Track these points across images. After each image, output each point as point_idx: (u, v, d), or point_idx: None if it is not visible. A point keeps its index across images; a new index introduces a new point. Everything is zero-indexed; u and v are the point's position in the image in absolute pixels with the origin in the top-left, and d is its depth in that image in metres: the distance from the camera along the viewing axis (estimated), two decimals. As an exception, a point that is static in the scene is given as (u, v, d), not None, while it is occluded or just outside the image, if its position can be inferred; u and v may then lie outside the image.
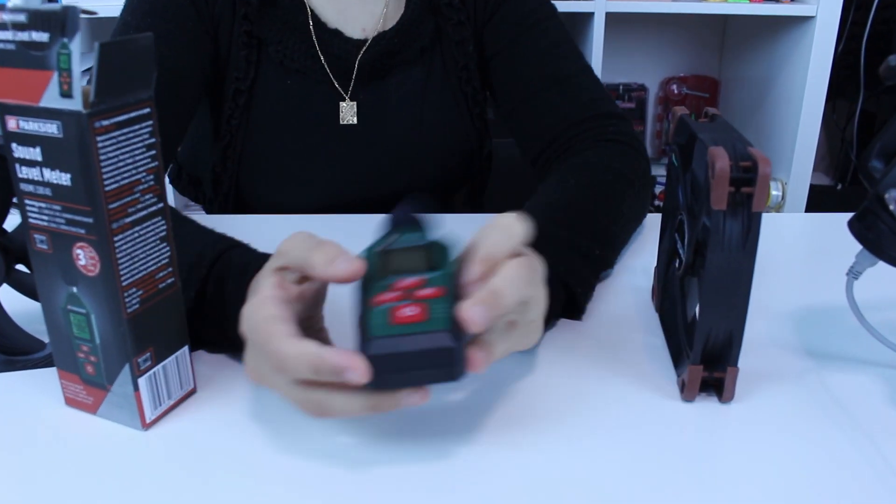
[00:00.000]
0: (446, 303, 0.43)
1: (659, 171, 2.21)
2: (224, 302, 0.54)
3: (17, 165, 0.45)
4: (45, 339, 0.57)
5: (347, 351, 0.42)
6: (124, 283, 0.46)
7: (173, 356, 0.51)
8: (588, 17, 1.83)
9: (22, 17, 0.41)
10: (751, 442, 0.48)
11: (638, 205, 0.75)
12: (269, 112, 0.88)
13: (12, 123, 0.44)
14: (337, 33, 0.87)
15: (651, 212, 0.81)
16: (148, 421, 0.49)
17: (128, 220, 0.45)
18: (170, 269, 0.49)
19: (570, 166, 0.76)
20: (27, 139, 0.44)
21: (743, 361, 0.51)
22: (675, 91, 2.26)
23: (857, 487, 0.44)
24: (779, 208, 1.88)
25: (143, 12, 0.80)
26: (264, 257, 0.54)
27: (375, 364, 0.41)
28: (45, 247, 0.47)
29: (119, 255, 0.45)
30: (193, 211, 1.82)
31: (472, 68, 0.92)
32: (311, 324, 0.50)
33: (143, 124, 0.45)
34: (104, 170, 0.43)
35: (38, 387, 0.54)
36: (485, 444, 0.48)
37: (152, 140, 0.46)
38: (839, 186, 2.19)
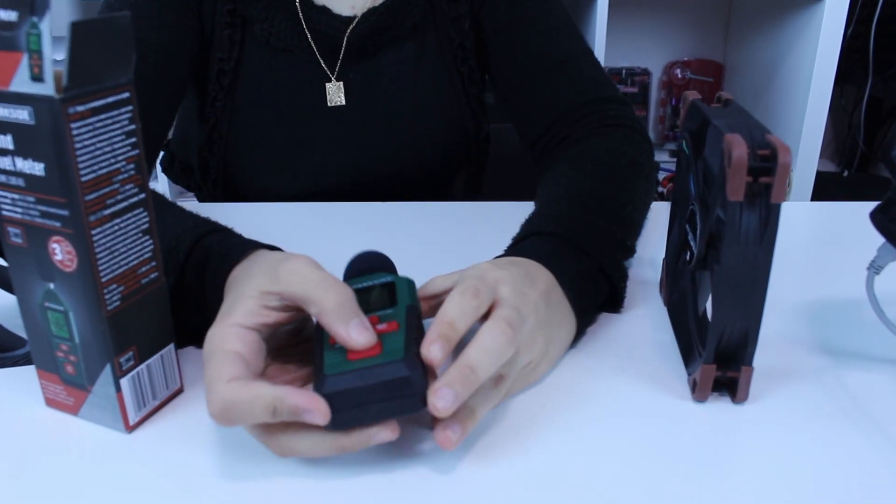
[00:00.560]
0: (400, 335, 0.42)
1: (662, 157, 2.17)
2: (204, 290, 0.51)
3: (-12, 154, 0.42)
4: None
5: (306, 391, 0.40)
6: (104, 279, 0.43)
7: (158, 355, 0.48)
8: (591, -1, 1.80)
9: (-11, -5, 0.39)
10: (765, 445, 0.46)
11: (650, 191, 0.72)
12: (255, 93, 0.85)
13: (-19, 109, 0.41)
14: (324, 10, 0.84)
15: (654, 199, 0.79)
16: (131, 423, 0.47)
17: (106, 212, 0.43)
18: (153, 263, 0.46)
19: (581, 152, 0.74)
20: (-3, 126, 0.41)
21: (756, 359, 0.48)
22: (679, 75, 2.22)
23: (877, 492, 0.42)
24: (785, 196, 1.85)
25: None
26: (247, 244, 0.52)
27: (333, 402, 0.40)
28: (19, 241, 0.44)
29: (98, 250, 0.42)
30: (187, 199, 1.80)
31: (469, 47, 0.89)
32: (289, 343, 0.48)
33: (122, 110, 0.42)
34: (80, 159, 0.40)
35: (19, 386, 0.51)
36: (486, 446, 0.46)
37: (132, 127, 0.43)
38: (846, 173, 2.16)
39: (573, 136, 0.79)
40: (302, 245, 0.62)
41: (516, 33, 0.86)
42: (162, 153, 1.00)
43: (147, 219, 0.45)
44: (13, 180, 0.42)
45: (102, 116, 0.41)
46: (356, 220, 0.79)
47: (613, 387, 0.51)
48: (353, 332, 0.42)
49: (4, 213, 0.43)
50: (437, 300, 0.51)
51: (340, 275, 0.51)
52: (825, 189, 1.89)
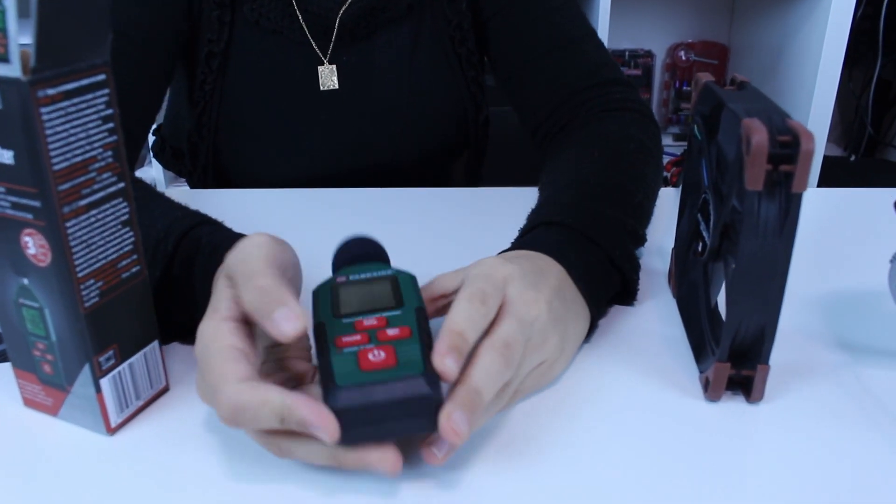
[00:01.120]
0: (414, 343, 0.39)
1: (666, 141, 2.14)
2: (192, 284, 0.49)
3: (-45, 141, 0.39)
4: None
5: (317, 404, 0.37)
6: (80, 274, 0.40)
7: (141, 353, 0.46)
8: (594, -20, 1.76)
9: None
10: (781, 447, 0.44)
11: (658, 177, 0.69)
12: (245, 76, 0.82)
13: (-54, 92, 0.38)
14: None
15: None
16: (113, 425, 0.44)
17: (82, 202, 0.40)
18: (134, 256, 0.44)
19: (588, 136, 0.71)
20: (-37, 111, 0.38)
21: (771, 355, 0.45)
22: (683, 58, 2.19)
23: (905, 503, 0.39)
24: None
25: None
26: (237, 238, 0.49)
27: (344, 417, 0.37)
28: (-10, 233, 0.41)
29: (73, 243, 0.40)
30: (180, 185, 1.77)
31: (467, 28, 0.85)
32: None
33: (98, 93, 0.40)
34: (51, 146, 0.38)
35: (-4, 384, 0.49)
36: (491, 445, 0.43)
37: (109, 111, 0.40)
38: (853, 158, 2.12)
39: (578, 119, 0.76)
40: (294, 232, 0.60)
41: (517, 14, 0.83)
42: (153, 138, 0.97)
43: (127, 209, 0.43)
44: (-19, 169, 0.39)
45: (76, 100, 0.38)
46: (350, 207, 0.76)
47: (621, 385, 0.49)
48: (281, 325, 0.38)
49: (-26, 203, 0.41)
50: (442, 301, 0.48)
51: (328, 262, 0.48)
52: (831, 174, 1.86)
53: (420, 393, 0.37)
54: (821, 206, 0.78)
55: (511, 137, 1.09)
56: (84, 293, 0.41)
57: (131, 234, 0.43)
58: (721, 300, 0.48)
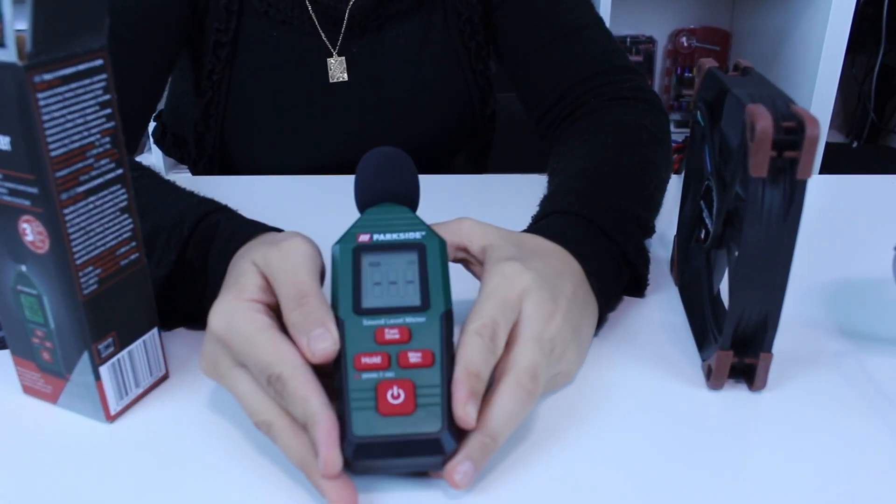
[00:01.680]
0: (435, 375, 0.38)
1: (667, 128, 2.12)
2: (206, 268, 0.48)
3: (-49, 126, 0.39)
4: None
5: (335, 436, 0.36)
6: (78, 262, 0.40)
7: (140, 340, 0.45)
8: (596, -35, 1.74)
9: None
10: (784, 435, 0.43)
11: (668, 167, 0.69)
12: (253, 67, 0.82)
13: (-59, 77, 0.38)
14: None
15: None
16: (113, 413, 0.44)
17: (80, 189, 0.39)
18: (133, 243, 0.43)
19: (599, 123, 0.70)
20: (-41, 96, 0.38)
21: (773, 343, 0.45)
22: (685, 44, 2.17)
23: (908, 492, 0.39)
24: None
25: None
26: (255, 226, 0.49)
27: (354, 465, 0.37)
28: (-13, 220, 0.41)
29: (71, 230, 0.39)
30: (181, 171, 1.76)
31: (476, 21, 0.85)
32: None
33: (95, 78, 0.39)
34: (48, 132, 0.37)
35: (-5, 372, 0.49)
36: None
37: (107, 97, 0.40)
38: (855, 144, 2.11)
39: (586, 106, 0.76)
40: (300, 219, 0.59)
41: (524, 3, 0.82)
42: (154, 124, 0.96)
43: (125, 196, 0.42)
44: (-22, 155, 0.39)
45: (73, 86, 0.38)
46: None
47: (622, 373, 0.49)
48: (314, 345, 0.38)
49: (-29, 190, 0.40)
50: (461, 254, 0.47)
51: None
52: (833, 161, 1.85)
53: (436, 457, 0.37)
54: (823, 194, 0.77)
55: (513, 124, 1.08)
56: (83, 280, 0.40)
57: (130, 221, 0.43)
58: (724, 288, 0.48)
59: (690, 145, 0.56)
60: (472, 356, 0.39)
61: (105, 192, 0.41)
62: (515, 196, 0.75)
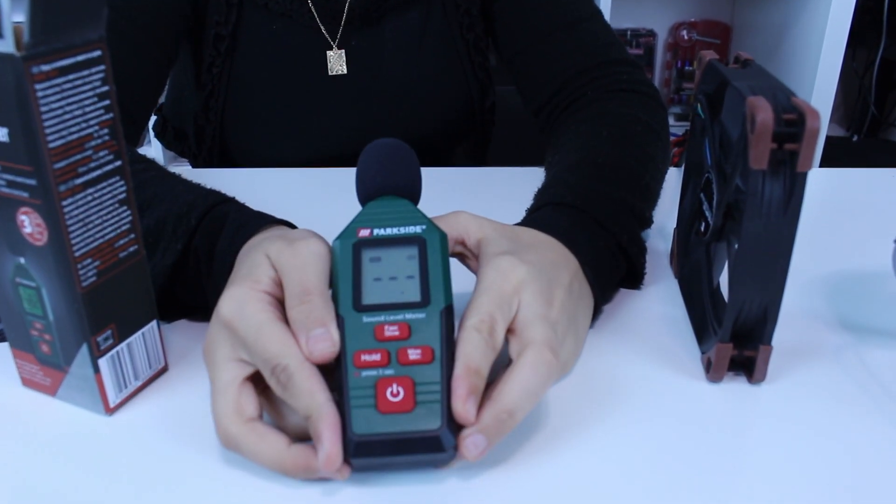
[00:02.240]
0: (435, 372, 0.38)
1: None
2: (212, 258, 0.48)
3: (-51, 118, 0.39)
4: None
5: (338, 433, 0.37)
6: (77, 254, 0.40)
7: (139, 332, 0.45)
8: (596, -42, 1.74)
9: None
10: (783, 427, 0.43)
11: (666, 159, 0.68)
12: (253, 60, 0.81)
13: (-61, 69, 0.38)
14: None
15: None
16: (112, 405, 0.44)
17: (78, 181, 0.39)
18: (131, 235, 0.43)
19: (595, 115, 0.70)
20: (-44, 87, 0.38)
21: (773, 336, 0.45)
22: (685, 37, 2.17)
23: (907, 484, 0.39)
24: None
25: None
26: (264, 218, 0.49)
27: (355, 463, 0.37)
28: (-14, 212, 0.41)
29: (69, 222, 0.39)
30: (181, 165, 1.76)
31: (475, 13, 0.85)
32: None
33: (93, 70, 0.39)
34: (46, 123, 0.37)
35: (-6, 364, 0.49)
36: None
37: (105, 88, 0.40)
38: (855, 138, 2.11)
39: (584, 98, 0.75)
40: (299, 211, 0.59)
41: None
42: (154, 118, 0.96)
43: (124, 188, 0.42)
44: (-24, 147, 0.39)
45: (71, 77, 0.38)
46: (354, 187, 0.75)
47: (621, 366, 0.49)
48: (313, 345, 0.38)
49: (-31, 182, 0.40)
50: (458, 247, 0.47)
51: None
52: (833, 154, 1.85)
53: (437, 455, 0.37)
54: (823, 187, 0.77)
55: (516, 117, 1.08)
56: (81, 272, 0.40)
57: (129, 213, 0.43)
58: (723, 280, 0.48)
59: (690, 138, 0.56)
60: (472, 352, 0.39)
61: (104, 183, 0.41)
62: (514, 189, 0.75)
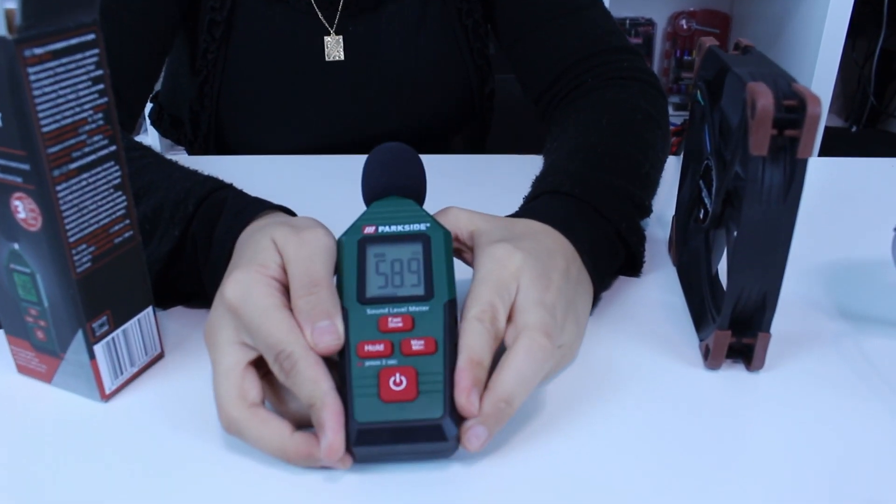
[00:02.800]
0: (438, 363, 0.38)
1: (666, 112, 2.12)
2: (210, 243, 0.48)
3: (-59, 102, 0.38)
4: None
5: (341, 421, 0.37)
6: (71, 239, 0.40)
7: (135, 319, 0.45)
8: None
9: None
10: (781, 414, 0.43)
11: (665, 147, 0.68)
12: (249, 46, 0.81)
13: (-69, 52, 0.37)
14: None
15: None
16: (107, 392, 0.44)
17: (72, 166, 0.39)
18: (126, 221, 0.43)
19: (595, 103, 0.69)
20: (-52, 70, 0.37)
21: (772, 324, 0.45)
22: (685, 26, 2.16)
23: (905, 472, 0.39)
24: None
25: None
26: (263, 204, 0.49)
27: (357, 452, 0.37)
28: (-21, 197, 0.40)
29: (63, 207, 0.39)
30: (177, 152, 1.75)
31: None
32: None
33: (87, 53, 0.39)
34: (39, 108, 0.37)
35: (-11, 351, 0.48)
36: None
37: (99, 72, 0.39)
38: (854, 129, 2.11)
39: (584, 86, 0.75)
40: (295, 198, 0.59)
41: None
42: (150, 105, 0.96)
43: (119, 173, 0.42)
44: (-31, 131, 0.38)
45: (64, 60, 0.37)
46: (353, 174, 0.75)
47: (620, 353, 0.48)
48: (318, 337, 0.38)
49: (-38, 166, 0.40)
50: (455, 243, 0.47)
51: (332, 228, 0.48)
52: (832, 145, 1.85)
53: (440, 444, 0.37)
54: (822, 176, 0.77)
55: (515, 105, 1.08)
56: (76, 258, 0.40)
57: (124, 198, 0.42)
58: (722, 268, 0.48)
59: (690, 125, 0.56)
60: (474, 344, 0.39)
61: (98, 168, 0.40)
62: (514, 177, 0.75)
